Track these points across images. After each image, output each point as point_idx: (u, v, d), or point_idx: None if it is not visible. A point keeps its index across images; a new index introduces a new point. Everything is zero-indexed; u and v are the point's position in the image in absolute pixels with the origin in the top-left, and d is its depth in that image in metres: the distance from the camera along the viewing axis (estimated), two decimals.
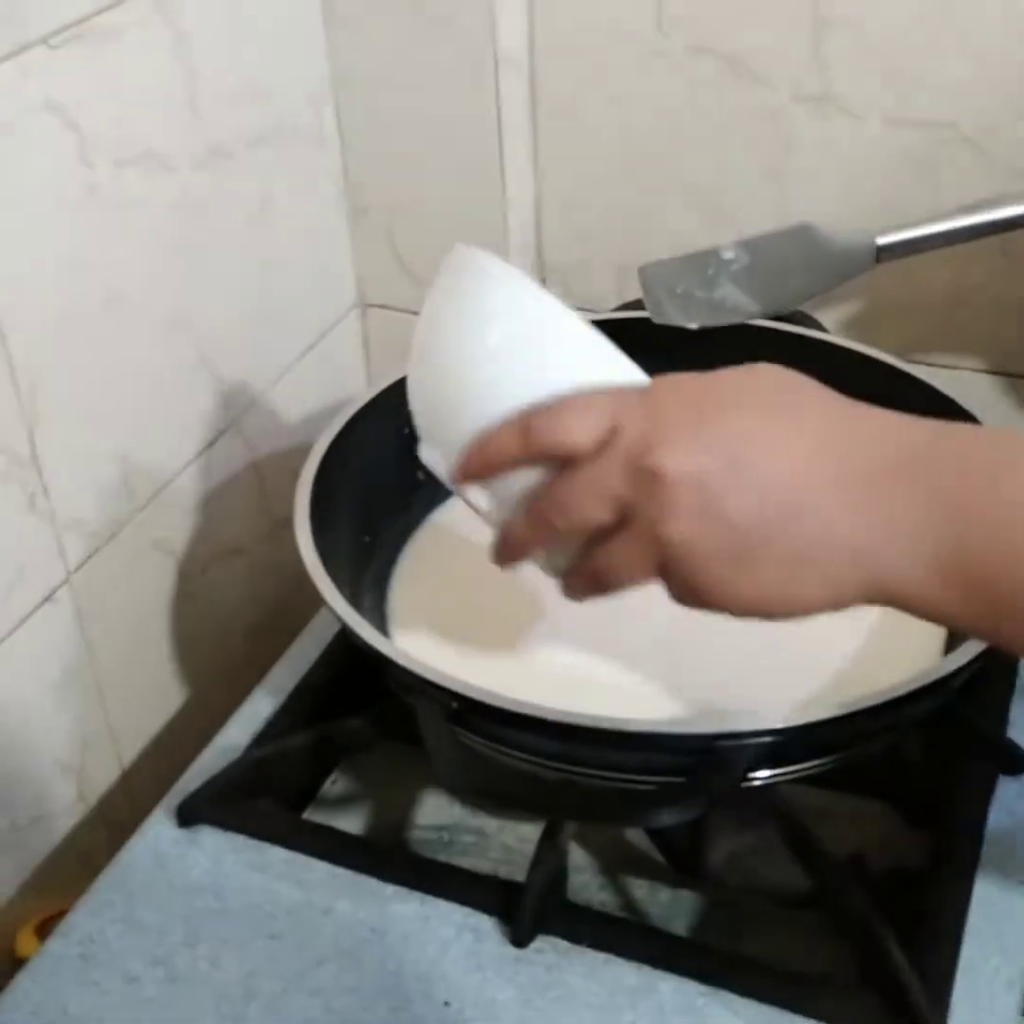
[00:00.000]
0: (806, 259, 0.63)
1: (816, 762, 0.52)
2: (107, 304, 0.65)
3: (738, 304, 0.62)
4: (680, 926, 0.61)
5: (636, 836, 0.64)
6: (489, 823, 0.66)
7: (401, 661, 0.50)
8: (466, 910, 0.56)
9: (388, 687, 0.57)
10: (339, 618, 0.54)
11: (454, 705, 0.50)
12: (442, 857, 0.61)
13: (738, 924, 0.61)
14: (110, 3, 0.61)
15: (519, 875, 0.59)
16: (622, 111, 0.77)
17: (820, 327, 0.70)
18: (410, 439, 0.69)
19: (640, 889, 0.63)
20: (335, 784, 0.68)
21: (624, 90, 0.77)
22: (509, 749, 0.51)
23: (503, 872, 0.62)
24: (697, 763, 0.47)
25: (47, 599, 0.66)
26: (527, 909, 0.54)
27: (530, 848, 0.64)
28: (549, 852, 0.55)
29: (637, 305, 0.76)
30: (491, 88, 0.76)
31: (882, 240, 0.60)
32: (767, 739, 0.47)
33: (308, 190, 0.80)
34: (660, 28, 0.74)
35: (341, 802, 0.68)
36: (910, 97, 0.71)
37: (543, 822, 0.56)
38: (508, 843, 0.65)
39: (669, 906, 0.62)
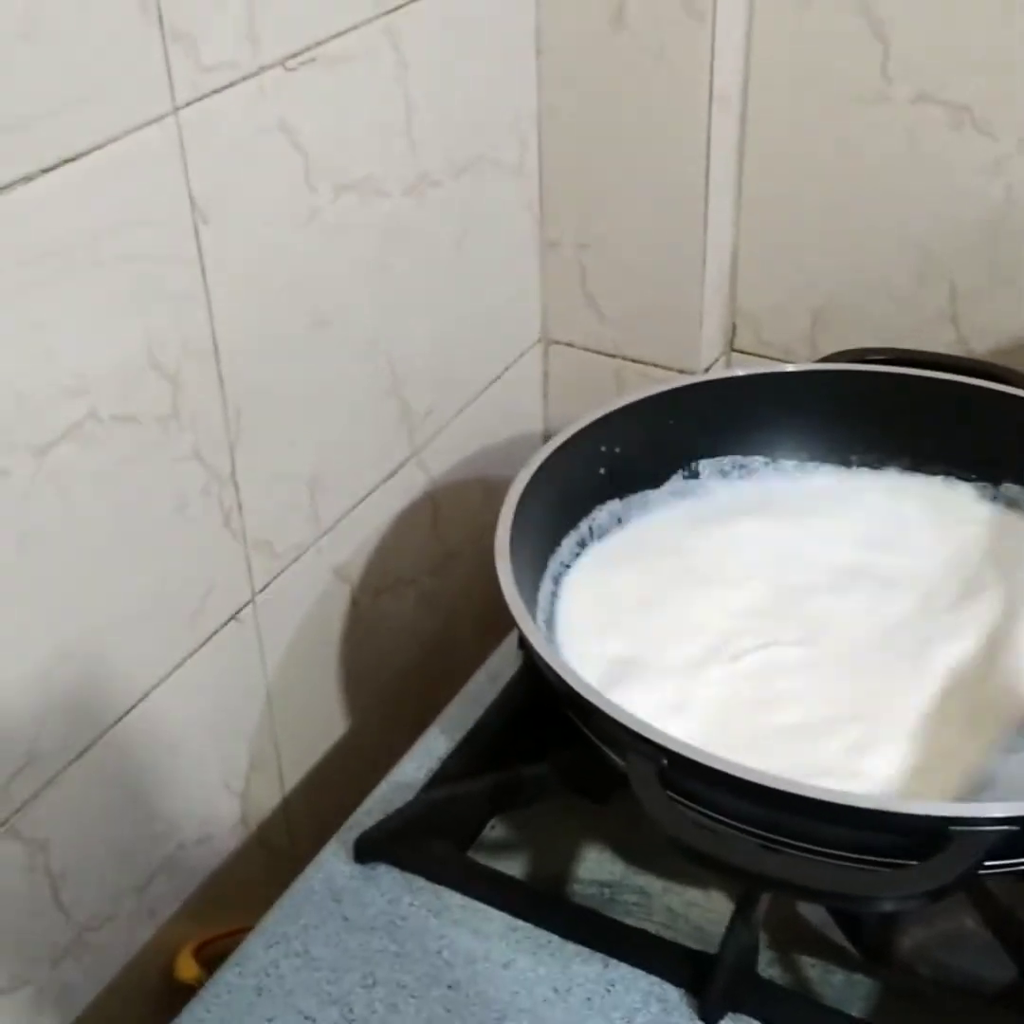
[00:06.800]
0: None
1: None
2: (313, 328, 0.65)
3: None
4: (855, 1013, 0.57)
5: (811, 911, 0.61)
6: (653, 883, 0.64)
7: (614, 714, 0.48)
8: (652, 979, 0.54)
9: (571, 735, 0.55)
10: (547, 665, 0.52)
11: (664, 762, 0.48)
12: None
13: (918, 1016, 0.57)
14: (344, 28, 0.61)
15: (683, 941, 0.57)
16: (835, 156, 0.75)
17: None
18: (604, 479, 0.68)
19: (813, 968, 0.60)
20: (494, 829, 0.66)
21: (839, 135, 0.75)
22: (721, 816, 0.48)
23: (666, 937, 0.59)
24: (927, 847, 0.44)
25: (232, 618, 0.65)
26: (719, 984, 0.52)
27: (696, 913, 0.62)
28: (744, 924, 0.52)
29: (835, 358, 0.74)
30: (703, 126, 0.74)
31: None
32: (1010, 828, 0.44)
33: (504, 221, 0.79)
34: (885, 73, 0.71)
35: (500, 848, 0.66)
36: None
37: (739, 892, 0.54)
38: (672, 906, 0.63)
39: (843, 990, 0.59)
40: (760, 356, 0.84)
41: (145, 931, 0.66)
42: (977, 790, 0.53)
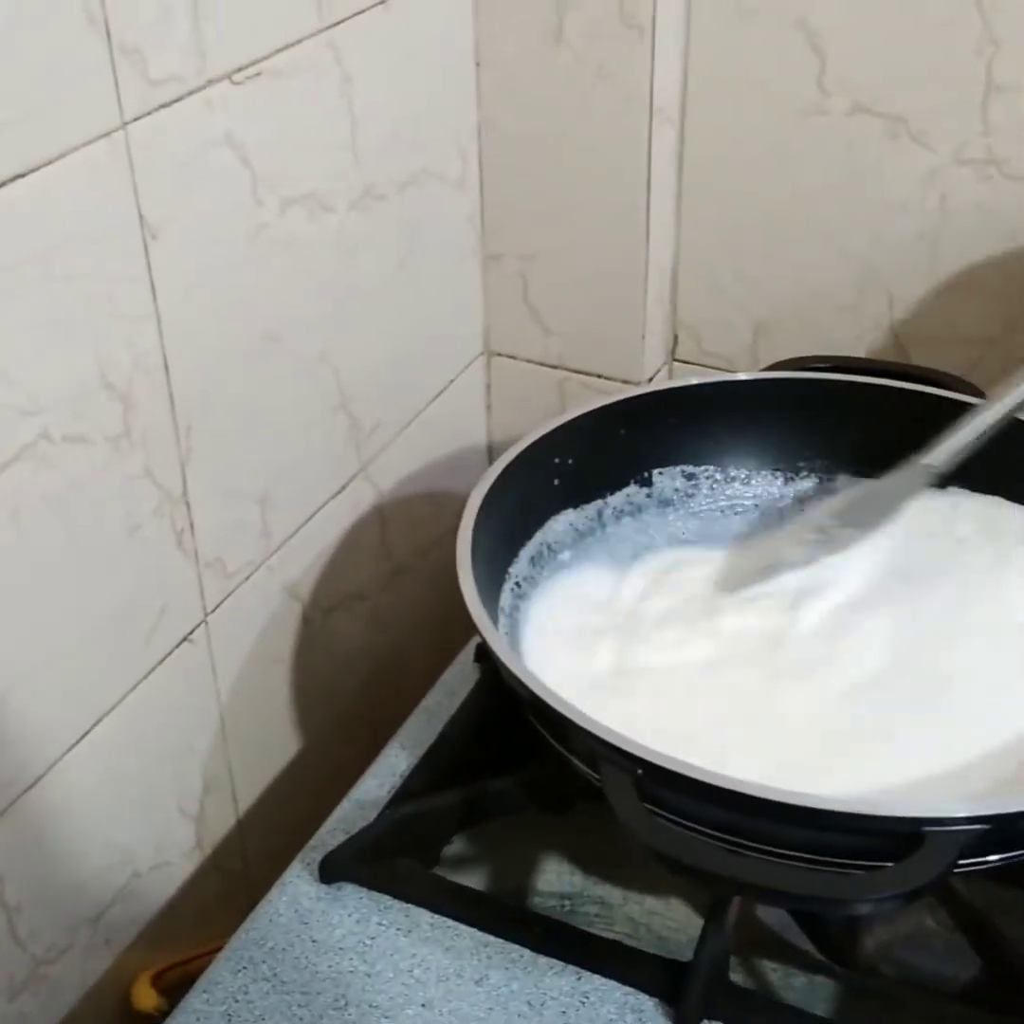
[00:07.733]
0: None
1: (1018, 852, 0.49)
2: (262, 343, 0.64)
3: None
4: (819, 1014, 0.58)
5: (770, 915, 0.62)
6: (613, 893, 0.64)
7: (587, 726, 0.48)
8: (626, 989, 0.54)
9: (535, 748, 0.55)
10: (516, 678, 0.52)
11: (639, 772, 0.48)
12: None
13: (881, 1015, 0.58)
14: (289, 42, 0.60)
15: (646, 950, 0.57)
16: (773, 168, 0.76)
17: (979, 393, 0.69)
18: (558, 490, 0.68)
19: (774, 972, 0.60)
20: (451, 844, 0.66)
21: (776, 148, 0.76)
22: (697, 824, 0.48)
23: (630, 946, 0.59)
24: (902, 849, 0.45)
25: (185, 639, 0.64)
26: (694, 991, 0.52)
27: (658, 921, 0.62)
28: (717, 931, 0.53)
29: (777, 367, 0.74)
30: (643, 139, 0.75)
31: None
32: (981, 827, 0.45)
33: (447, 235, 0.79)
34: (821, 86, 0.73)
35: (458, 863, 0.65)
36: None
37: (711, 899, 0.54)
38: (633, 915, 0.63)
39: (805, 992, 0.59)
40: (702, 366, 0.85)
41: (101, 961, 0.64)
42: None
